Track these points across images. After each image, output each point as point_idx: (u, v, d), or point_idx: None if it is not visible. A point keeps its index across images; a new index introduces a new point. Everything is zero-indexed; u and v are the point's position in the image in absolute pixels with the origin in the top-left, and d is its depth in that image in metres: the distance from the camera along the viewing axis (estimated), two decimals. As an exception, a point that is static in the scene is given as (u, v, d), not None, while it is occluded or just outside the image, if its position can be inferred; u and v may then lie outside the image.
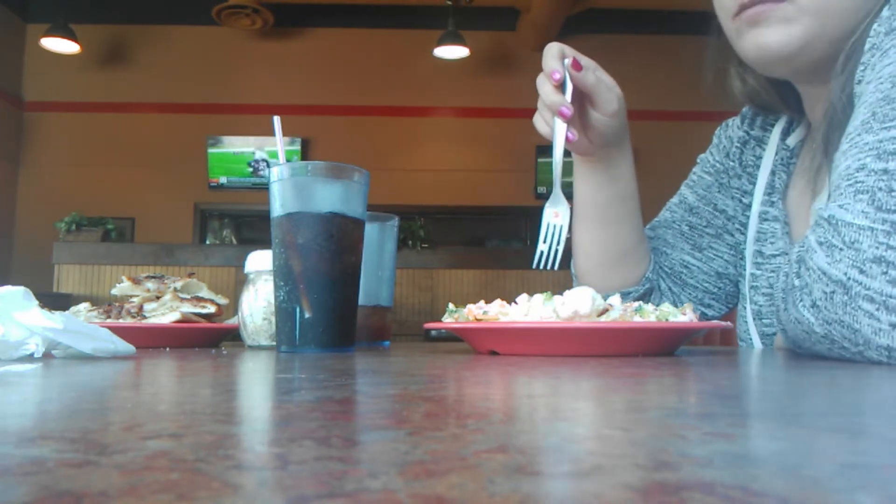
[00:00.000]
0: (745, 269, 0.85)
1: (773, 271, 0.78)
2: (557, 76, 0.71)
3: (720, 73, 0.82)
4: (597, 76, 0.72)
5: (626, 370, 0.38)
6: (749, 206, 0.85)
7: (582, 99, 0.74)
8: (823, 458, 0.15)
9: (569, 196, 0.76)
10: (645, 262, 0.85)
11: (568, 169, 0.74)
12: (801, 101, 0.77)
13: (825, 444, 0.17)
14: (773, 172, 0.82)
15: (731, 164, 0.87)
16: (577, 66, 0.71)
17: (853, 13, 0.63)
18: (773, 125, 0.84)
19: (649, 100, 5.21)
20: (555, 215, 0.72)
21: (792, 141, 0.80)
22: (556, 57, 0.72)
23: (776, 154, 0.82)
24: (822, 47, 0.65)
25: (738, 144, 0.86)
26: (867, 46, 0.56)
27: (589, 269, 0.85)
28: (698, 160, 0.92)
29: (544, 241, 0.72)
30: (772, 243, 0.79)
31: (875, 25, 0.56)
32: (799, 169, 0.80)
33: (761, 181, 0.83)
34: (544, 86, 0.72)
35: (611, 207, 0.82)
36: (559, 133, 0.72)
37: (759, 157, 0.84)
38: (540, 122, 0.75)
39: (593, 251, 0.84)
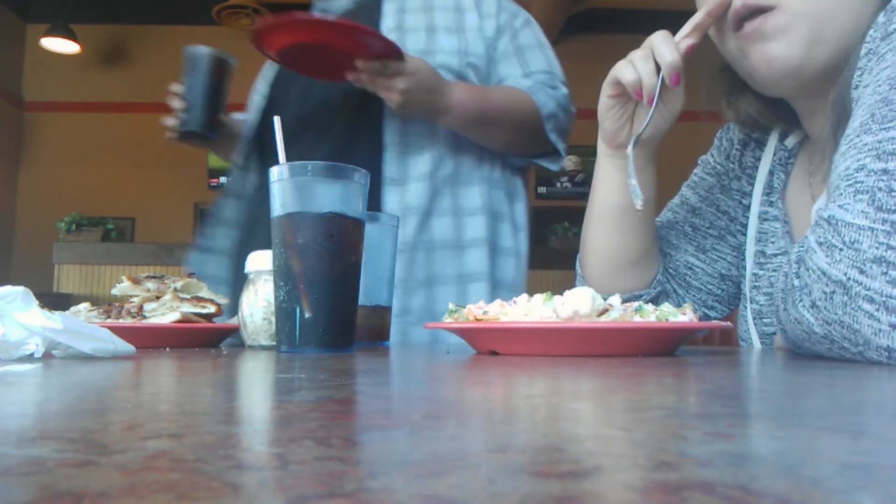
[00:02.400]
0: (745, 270, 0.85)
1: (774, 271, 0.78)
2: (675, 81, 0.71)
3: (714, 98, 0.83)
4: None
5: (626, 370, 0.38)
6: (749, 207, 0.85)
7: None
8: (823, 458, 0.15)
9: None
10: (655, 266, 0.85)
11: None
12: (795, 115, 0.77)
13: (825, 444, 0.17)
14: (771, 173, 0.82)
15: (732, 166, 0.87)
16: (675, 81, 0.71)
17: (848, 13, 0.63)
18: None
19: (649, 100, 5.20)
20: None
21: (790, 142, 0.81)
22: (672, 49, 0.71)
23: (774, 154, 0.82)
24: (826, 51, 0.65)
25: (739, 146, 0.86)
26: (863, 52, 0.56)
27: (601, 272, 0.84)
28: (699, 161, 0.92)
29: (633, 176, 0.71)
30: (773, 243, 0.80)
31: (871, 31, 0.56)
32: (797, 169, 0.80)
33: (760, 181, 0.83)
34: (667, 44, 0.71)
35: (629, 211, 0.81)
36: (653, 87, 0.71)
37: (759, 159, 0.85)
38: (628, 70, 0.73)
39: (607, 254, 0.84)
